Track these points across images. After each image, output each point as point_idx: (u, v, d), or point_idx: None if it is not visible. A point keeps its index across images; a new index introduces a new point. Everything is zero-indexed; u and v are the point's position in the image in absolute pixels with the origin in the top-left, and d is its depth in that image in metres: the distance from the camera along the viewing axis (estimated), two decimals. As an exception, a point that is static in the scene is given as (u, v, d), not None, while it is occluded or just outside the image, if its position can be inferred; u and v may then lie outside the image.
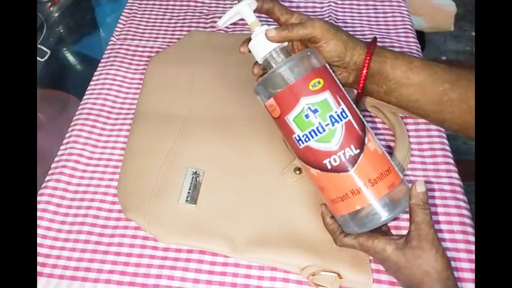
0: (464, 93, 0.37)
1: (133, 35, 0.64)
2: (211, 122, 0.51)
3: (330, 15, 0.63)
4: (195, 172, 0.46)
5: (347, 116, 0.36)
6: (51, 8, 0.71)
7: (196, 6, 0.68)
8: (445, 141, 0.49)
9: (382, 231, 0.38)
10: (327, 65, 0.38)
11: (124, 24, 0.66)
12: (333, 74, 0.38)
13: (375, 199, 0.35)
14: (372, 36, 0.59)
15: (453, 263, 0.40)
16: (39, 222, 0.45)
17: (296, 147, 0.38)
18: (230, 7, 0.41)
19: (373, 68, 0.38)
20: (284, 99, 0.37)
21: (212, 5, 0.68)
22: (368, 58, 0.38)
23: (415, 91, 0.38)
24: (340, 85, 0.38)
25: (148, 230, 0.43)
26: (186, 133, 0.50)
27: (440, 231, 0.42)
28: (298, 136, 0.37)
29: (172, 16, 0.67)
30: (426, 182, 0.46)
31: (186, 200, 0.44)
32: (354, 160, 0.35)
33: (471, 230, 0.42)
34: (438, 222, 0.43)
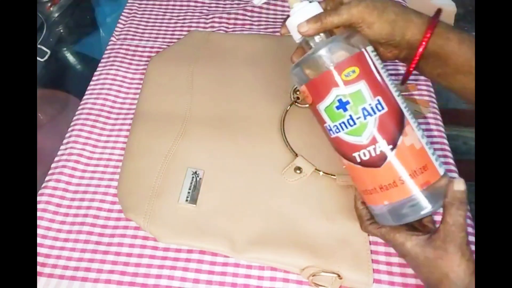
0: None
1: (133, 35, 0.64)
2: (211, 122, 0.51)
3: (330, 15, 0.63)
4: (195, 172, 0.46)
5: (383, 108, 0.33)
6: (51, 8, 0.71)
7: (196, 6, 0.68)
8: (445, 141, 0.49)
9: (410, 224, 0.37)
10: (368, 49, 0.35)
11: (124, 24, 0.66)
12: (373, 60, 0.34)
13: (403, 197, 0.34)
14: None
15: (453, 263, 0.40)
16: (39, 222, 0.45)
17: (328, 136, 0.37)
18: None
19: (430, 50, 0.34)
20: (315, 88, 0.35)
21: (212, 5, 0.68)
22: (426, 39, 0.34)
23: (473, 80, 0.35)
24: (382, 72, 0.35)
25: (148, 230, 0.43)
26: (186, 133, 0.50)
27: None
28: (329, 126, 0.35)
29: (172, 16, 0.67)
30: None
31: (186, 200, 0.44)
32: (384, 156, 0.33)
33: (470, 230, 0.42)
34: (438, 222, 0.43)
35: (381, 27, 0.35)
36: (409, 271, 0.40)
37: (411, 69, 0.36)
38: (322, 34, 0.36)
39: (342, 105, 0.34)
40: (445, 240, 0.33)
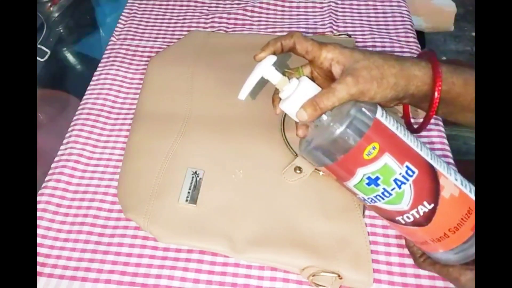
0: None
1: (133, 35, 0.64)
2: (211, 122, 0.51)
3: (330, 15, 0.63)
4: (195, 172, 0.46)
5: (413, 172, 0.32)
6: (51, 8, 0.71)
7: (196, 6, 0.68)
8: (445, 141, 0.49)
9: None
10: (378, 115, 0.33)
11: (124, 24, 0.66)
12: (387, 124, 0.33)
13: (456, 245, 0.33)
14: (372, 36, 0.60)
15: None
16: (39, 222, 0.45)
17: (363, 202, 0.36)
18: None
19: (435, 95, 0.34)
20: (337, 171, 0.34)
21: (212, 5, 0.68)
22: (438, 91, 0.33)
23: None
24: (398, 132, 0.33)
25: (148, 230, 0.43)
26: (186, 133, 0.50)
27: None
28: (363, 197, 0.35)
29: (172, 16, 0.67)
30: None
31: (186, 200, 0.44)
32: (430, 214, 0.33)
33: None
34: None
35: (384, 95, 0.34)
36: (409, 271, 0.41)
37: (431, 117, 0.36)
38: (325, 120, 0.34)
39: (373, 181, 0.33)
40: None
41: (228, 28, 0.64)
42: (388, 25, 0.62)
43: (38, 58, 0.64)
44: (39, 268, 0.42)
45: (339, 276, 0.39)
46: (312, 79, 0.38)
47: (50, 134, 0.58)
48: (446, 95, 0.34)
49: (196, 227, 0.43)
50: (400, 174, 0.32)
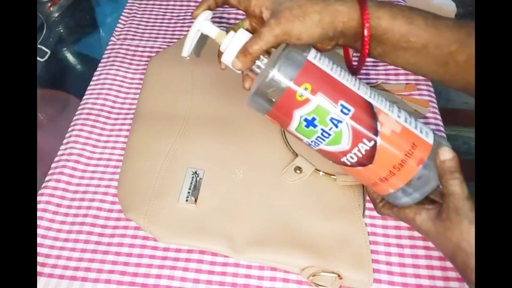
0: (474, 52, 0.33)
1: (133, 35, 0.64)
2: (211, 122, 0.51)
3: (330, 15, 0.63)
4: (195, 172, 0.46)
5: (349, 110, 0.33)
6: (51, 8, 0.71)
7: (196, 6, 0.68)
8: (445, 141, 0.49)
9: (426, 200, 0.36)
10: (310, 56, 0.33)
11: (124, 24, 0.66)
12: (319, 65, 0.33)
13: (403, 183, 0.34)
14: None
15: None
16: (39, 222, 0.45)
17: (312, 149, 0.37)
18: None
19: (362, 33, 0.34)
20: (277, 116, 0.35)
21: (212, 5, 0.68)
22: (367, 23, 0.33)
23: (415, 54, 0.35)
24: (333, 72, 0.33)
25: (148, 230, 0.43)
26: (186, 133, 0.50)
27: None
28: (307, 142, 0.35)
29: (172, 16, 0.67)
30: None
31: (186, 200, 0.44)
32: (371, 152, 0.33)
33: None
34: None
35: (310, 33, 0.33)
36: (409, 271, 0.41)
37: (365, 56, 0.36)
38: (261, 57, 0.35)
39: (310, 122, 0.33)
40: (448, 211, 0.33)
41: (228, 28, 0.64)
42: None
43: (38, 58, 0.64)
44: (39, 268, 0.42)
45: (339, 276, 0.39)
46: (252, 31, 0.39)
47: (50, 134, 0.58)
48: (374, 31, 0.34)
49: (196, 227, 0.43)
50: (335, 113, 0.33)
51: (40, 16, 0.69)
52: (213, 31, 0.37)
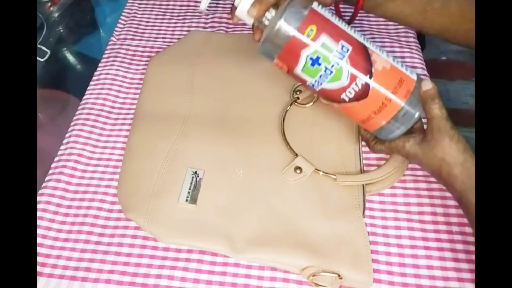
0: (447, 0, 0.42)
1: (133, 35, 0.64)
2: (211, 122, 0.51)
3: (330, 15, 0.63)
4: (195, 172, 0.46)
5: (348, 49, 0.38)
6: (51, 8, 0.71)
7: (196, 6, 0.68)
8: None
9: (412, 131, 0.42)
10: (314, 5, 0.39)
11: (124, 24, 0.66)
12: (323, 12, 0.39)
13: (395, 112, 0.39)
14: (372, 36, 0.60)
15: (451, 263, 0.40)
16: (39, 222, 0.45)
17: (313, 91, 0.41)
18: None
19: None
20: (286, 57, 0.39)
21: (212, 5, 0.68)
22: None
23: (401, 4, 0.43)
24: (333, 19, 0.39)
25: (148, 230, 0.43)
26: (186, 133, 0.50)
27: (438, 231, 0.42)
28: (311, 82, 0.40)
29: (172, 16, 0.67)
30: (426, 182, 0.46)
31: (186, 200, 0.44)
32: (367, 86, 0.39)
33: (470, 230, 0.42)
34: (436, 222, 0.43)
35: None
36: (409, 271, 0.41)
37: (360, 6, 0.44)
38: (271, 9, 0.40)
39: (315, 61, 0.38)
40: (432, 132, 0.38)
41: (228, 28, 0.64)
42: (388, 25, 0.62)
43: (38, 58, 0.64)
44: (39, 268, 0.42)
45: (339, 276, 0.39)
46: None
47: (50, 134, 0.58)
48: None
49: (196, 227, 0.43)
50: (336, 51, 0.38)
51: (40, 16, 0.69)
52: None
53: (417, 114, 0.39)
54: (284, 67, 0.40)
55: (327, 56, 0.38)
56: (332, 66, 0.38)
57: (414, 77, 0.40)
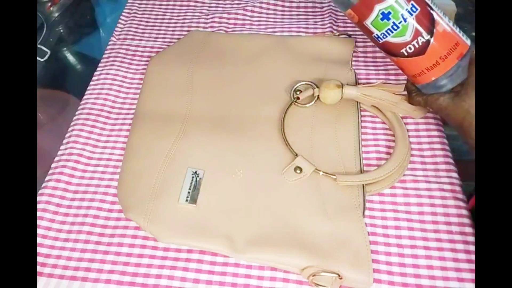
0: None
1: (133, 35, 0.64)
2: (211, 122, 0.51)
3: (330, 15, 0.63)
4: (195, 172, 0.46)
5: (417, 9, 0.42)
6: (51, 8, 0.71)
7: (196, 6, 0.68)
8: (445, 141, 0.49)
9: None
10: None
11: (124, 24, 0.66)
12: None
13: (445, 71, 0.43)
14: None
15: (452, 263, 0.40)
16: (39, 222, 0.45)
17: (376, 42, 0.45)
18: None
19: None
20: (360, 9, 0.43)
21: (212, 5, 0.68)
22: None
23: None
24: None
25: (148, 230, 0.43)
26: (186, 133, 0.50)
27: (438, 231, 0.42)
28: (377, 35, 0.44)
29: (172, 16, 0.67)
30: (426, 182, 0.46)
31: (186, 200, 0.44)
32: (426, 44, 0.42)
33: (470, 230, 0.42)
34: (436, 222, 0.43)
35: None
36: (409, 271, 0.41)
37: None
38: None
39: (385, 16, 0.42)
40: (467, 86, 0.41)
41: (228, 28, 0.64)
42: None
43: (38, 58, 0.64)
44: (39, 268, 0.42)
45: (339, 276, 0.39)
46: None
47: (50, 134, 0.58)
48: None
49: (196, 227, 0.43)
50: (406, 9, 0.42)
51: (40, 16, 0.69)
52: None
53: (462, 77, 0.43)
54: (355, 18, 0.44)
55: (397, 13, 0.42)
56: (400, 22, 0.42)
57: (468, 43, 0.43)
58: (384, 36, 0.44)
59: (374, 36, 0.45)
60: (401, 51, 0.44)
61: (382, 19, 0.43)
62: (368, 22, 0.44)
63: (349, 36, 0.59)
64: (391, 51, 0.45)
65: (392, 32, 0.43)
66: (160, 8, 0.68)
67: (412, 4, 0.42)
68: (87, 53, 0.71)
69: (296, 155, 0.47)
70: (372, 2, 0.42)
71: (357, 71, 0.56)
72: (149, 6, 0.69)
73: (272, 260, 0.41)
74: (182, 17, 0.66)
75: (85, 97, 0.56)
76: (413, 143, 0.49)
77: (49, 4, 0.71)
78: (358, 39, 0.59)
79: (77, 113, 0.55)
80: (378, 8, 0.42)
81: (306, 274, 0.40)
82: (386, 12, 0.42)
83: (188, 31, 0.64)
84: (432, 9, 0.43)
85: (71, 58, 0.69)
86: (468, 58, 0.43)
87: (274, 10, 0.66)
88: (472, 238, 0.42)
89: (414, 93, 0.48)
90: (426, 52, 0.43)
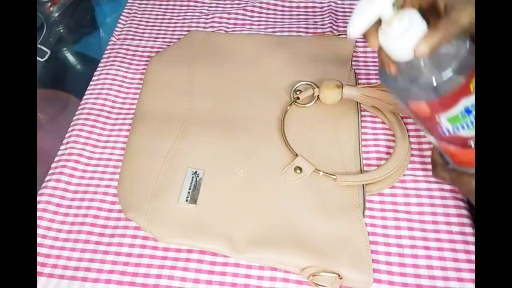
0: None
1: (133, 35, 0.64)
2: (211, 122, 0.51)
3: (330, 15, 0.63)
4: (195, 172, 0.46)
5: None
6: (51, 8, 0.71)
7: (196, 6, 0.68)
8: (445, 141, 0.49)
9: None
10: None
11: (124, 24, 0.66)
12: None
13: None
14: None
15: (452, 263, 0.40)
16: (39, 222, 0.45)
17: (439, 134, 0.37)
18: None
19: None
20: (438, 105, 0.35)
21: (212, 5, 0.68)
22: None
23: None
24: None
25: (148, 230, 0.43)
26: (186, 133, 0.50)
27: (438, 231, 0.42)
28: (447, 129, 0.36)
29: (172, 16, 0.67)
30: (426, 182, 0.46)
31: (186, 200, 0.44)
32: None
33: (470, 230, 0.42)
34: (436, 222, 0.43)
35: None
36: (409, 271, 0.41)
37: None
38: (431, 60, 0.34)
39: (468, 111, 0.34)
40: None
41: (228, 28, 0.64)
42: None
43: (38, 58, 0.64)
44: (39, 268, 0.42)
45: (339, 276, 0.39)
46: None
47: (50, 134, 0.58)
48: None
49: (196, 227, 0.43)
50: None
51: (40, 16, 0.69)
52: (389, 13, 0.32)
53: None
54: (426, 111, 0.36)
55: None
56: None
57: None
58: (455, 131, 0.36)
59: (442, 128, 0.37)
60: (468, 143, 0.37)
61: (463, 116, 0.35)
62: (442, 116, 0.35)
63: (349, 36, 0.59)
64: (455, 142, 0.38)
65: (467, 128, 0.35)
66: (160, 8, 0.68)
67: None
68: (87, 53, 0.71)
69: (296, 155, 0.47)
70: (458, 98, 0.34)
71: (357, 71, 0.56)
72: (149, 6, 0.69)
73: (272, 260, 0.41)
74: (182, 17, 0.66)
75: (85, 97, 0.56)
76: (413, 143, 0.49)
77: (49, 4, 0.71)
78: (358, 39, 0.59)
79: (77, 113, 0.55)
80: (463, 103, 0.34)
81: (306, 274, 0.40)
82: (470, 107, 0.34)
83: (188, 31, 0.64)
84: None
85: (71, 58, 0.69)
86: None
87: (274, 10, 0.66)
88: (472, 238, 0.42)
89: (440, 167, 0.42)
90: None
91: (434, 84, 0.33)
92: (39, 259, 0.43)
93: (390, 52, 0.34)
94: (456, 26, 0.32)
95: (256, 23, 0.64)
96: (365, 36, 0.35)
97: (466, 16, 0.32)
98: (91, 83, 0.58)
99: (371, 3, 0.32)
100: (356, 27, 0.32)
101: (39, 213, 0.46)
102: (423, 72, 0.34)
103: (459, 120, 0.35)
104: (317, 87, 0.51)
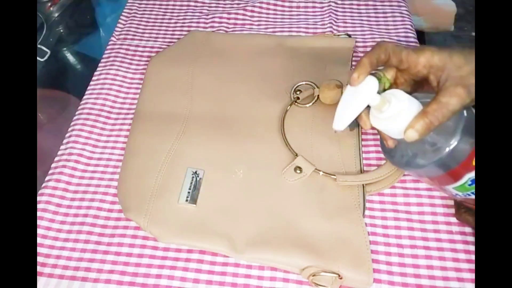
0: None
1: (133, 35, 0.64)
2: (211, 122, 0.51)
3: (330, 15, 0.63)
4: (195, 172, 0.46)
5: None
6: (51, 8, 0.71)
7: (196, 6, 0.68)
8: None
9: None
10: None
11: (124, 24, 0.66)
12: None
13: None
14: (372, 36, 0.60)
15: (451, 263, 0.40)
16: (39, 222, 0.45)
17: (451, 195, 0.38)
18: None
19: None
20: (442, 180, 0.35)
21: (212, 5, 0.68)
22: None
23: None
24: None
25: (148, 230, 0.43)
26: (186, 133, 0.50)
27: (438, 231, 0.42)
28: (456, 194, 0.37)
29: (172, 16, 0.67)
30: (426, 182, 0.46)
31: (186, 200, 0.44)
32: None
33: (470, 230, 0.42)
34: (436, 222, 0.43)
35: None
36: (409, 271, 0.41)
37: None
38: (430, 139, 0.34)
39: (473, 182, 0.34)
40: None
41: (228, 28, 0.64)
42: (388, 25, 0.62)
43: (38, 58, 0.64)
44: (39, 268, 0.42)
45: (339, 276, 0.39)
46: (395, 85, 0.37)
47: (50, 134, 0.58)
48: None
49: (196, 227, 0.43)
50: None
51: (40, 16, 0.69)
52: (376, 101, 0.32)
53: None
54: (428, 182, 0.37)
55: None
56: None
57: None
58: (466, 195, 0.37)
59: (453, 193, 0.37)
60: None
61: (470, 185, 0.35)
62: (449, 188, 0.36)
63: (349, 36, 0.59)
64: (470, 202, 0.38)
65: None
66: (160, 8, 0.68)
67: None
68: (87, 53, 0.71)
69: (296, 155, 0.47)
70: (462, 173, 0.34)
71: (357, 71, 0.56)
72: (149, 6, 0.69)
73: (272, 260, 0.41)
74: (182, 17, 0.66)
75: (85, 97, 0.57)
76: (413, 143, 0.49)
77: (49, 4, 0.71)
78: (358, 39, 0.59)
79: (77, 113, 0.55)
80: (468, 176, 0.34)
81: (306, 274, 0.40)
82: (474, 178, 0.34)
83: (188, 31, 0.64)
84: None
85: (71, 58, 0.69)
86: None
87: (274, 10, 0.66)
88: (472, 238, 0.42)
89: (464, 209, 0.41)
90: None
91: (432, 162, 0.32)
92: (39, 259, 0.43)
93: (383, 132, 0.34)
94: (447, 111, 0.32)
95: (256, 23, 0.64)
96: (356, 120, 0.35)
97: (457, 102, 0.32)
98: (91, 83, 0.58)
99: (356, 97, 0.32)
100: (343, 123, 0.33)
101: (39, 213, 0.46)
102: (417, 153, 0.34)
103: (466, 189, 0.35)
104: (317, 87, 0.51)
